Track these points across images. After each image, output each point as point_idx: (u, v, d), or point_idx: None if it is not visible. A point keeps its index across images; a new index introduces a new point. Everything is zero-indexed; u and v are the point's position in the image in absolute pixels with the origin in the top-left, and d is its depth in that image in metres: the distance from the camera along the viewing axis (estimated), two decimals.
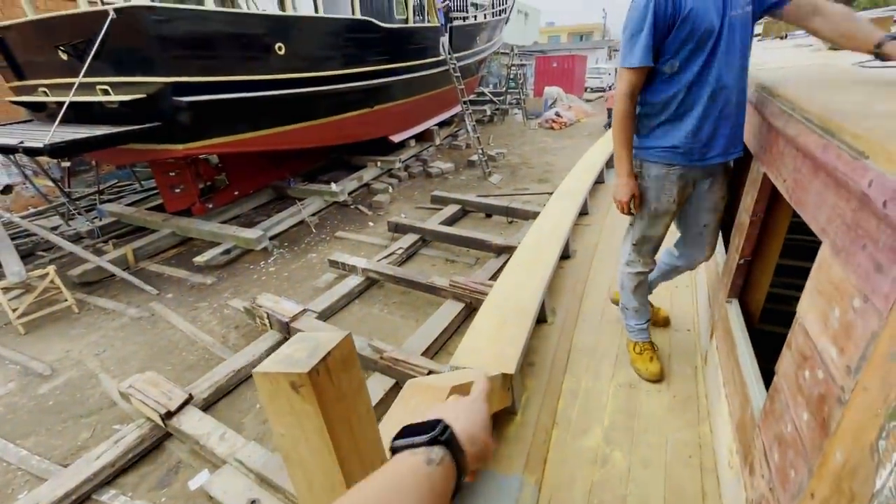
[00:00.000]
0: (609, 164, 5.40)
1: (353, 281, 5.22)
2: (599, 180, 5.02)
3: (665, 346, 2.41)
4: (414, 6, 9.09)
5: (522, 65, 17.82)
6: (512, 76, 16.36)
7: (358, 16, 7.37)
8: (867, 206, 0.60)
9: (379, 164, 9.54)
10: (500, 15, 15.03)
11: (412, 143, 10.73)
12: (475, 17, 13.33)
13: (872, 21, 1.94)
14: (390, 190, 8.93)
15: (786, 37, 3.14)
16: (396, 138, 9.63)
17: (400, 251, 6.07)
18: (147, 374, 3.43)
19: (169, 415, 3.10)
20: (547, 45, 31.68)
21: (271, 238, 6.66)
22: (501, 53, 18.85)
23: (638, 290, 2.18)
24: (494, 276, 5.29)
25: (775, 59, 1.88)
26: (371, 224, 7.55)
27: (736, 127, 1.52)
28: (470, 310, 4.54)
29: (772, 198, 1.23)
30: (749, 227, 1.13)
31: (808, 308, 0.79)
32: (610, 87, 23.01)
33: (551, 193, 8.58)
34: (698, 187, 1.74)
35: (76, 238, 6.78)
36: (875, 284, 0.58)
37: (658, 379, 2.16)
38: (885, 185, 0.54)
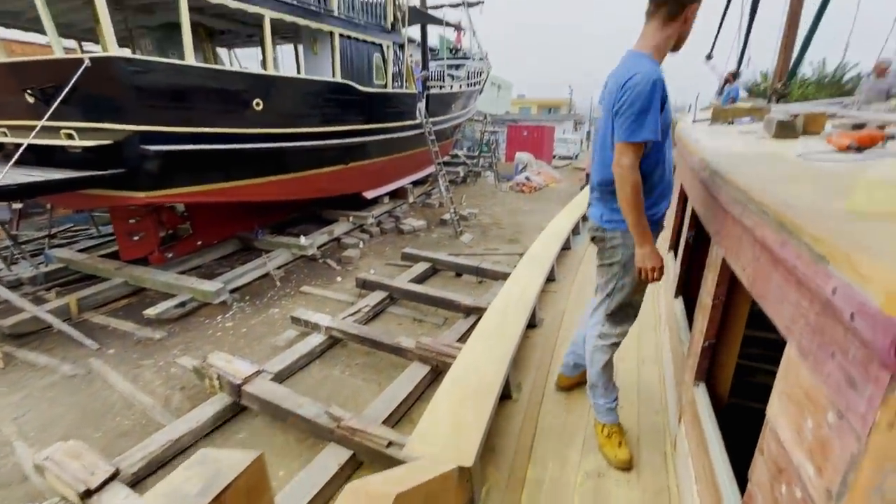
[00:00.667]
0: (575, 230, 5.51)
1: (315, 339, 4.99)
2: (566, 246, 5.11)
3: (633, 427, 2.32)
4: (393, 73, 9.57)
5: (495, 131, 18.81)
6: (485, 141, 17.17)
7: (338, 79, 7.67)
8: (833, 313, 0.59)
9: (351, 218, 9.54)
10: (474, 86, 16.05)
11: (386, 199, 10.86)
12: (451, 86, 14.16)
13: (806, 116, 2.13)
14: (361, 245, 8.87)
15: (732, 122, 3.41)
16: (370, 194, 9.73)
17: (367, 308, 5.90)
18: (70, 444, 3.04)
19: (88, 493, 2.72)
20: (518, 115, 33.76)
21: (232, 291, 6.38)
22: (476, 120, 19.92)
23: (608, 365, 2.14)
24: (463, 338, 5.17)
25: (726, 143, 2.00)
26: (339, 279, 7.39)
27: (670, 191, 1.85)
28: (436, 373, 4.37)
29: (732, 280, 1.23)
30: (712, 310, 1.12)
31: (779, 413, 0.76)
32: (576, 157, 24.45)
33: (521, 254, 8.78)
34: None
35: (16, 284, 6.30)
36: (850, 401, 0.55)
37: (628, 467, 2.05)
38: (853, 297, 0.52)
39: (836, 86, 16.97)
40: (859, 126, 1.76)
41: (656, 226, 1.83)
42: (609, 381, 2.17)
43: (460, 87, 14.47)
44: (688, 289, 1.90)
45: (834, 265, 0.57)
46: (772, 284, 0.75)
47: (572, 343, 2.52)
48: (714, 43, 9.69)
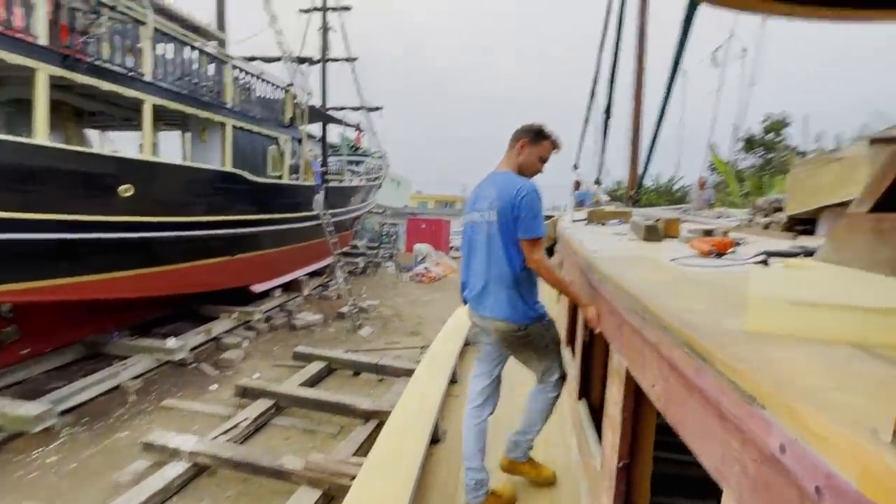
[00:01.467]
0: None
1: (172, 470, 4.02)
2: (468, 342, 4.95)
3: None
4: (291, 166, 9.51)
5: (395, 223, 19.31)
6: (385, 233, 17.43)
7: (228, 168, 7.33)
8: (785, 474, 0.50)
9: (235, 314, 8.56)
10: (374, 181, 16.66)
11: (278, 293, 10.08)
12: (350, 180, 14.50)
13: (666, 222, 2.41)
14: (245, 345, 7.89)
15: (605, 224, 3.79)
16: (259, 288, 8.96)
17: (246, 422, 5.04)
18: None
19: None
20: (417, 209, 35.49)
21: (64, 412, 5.04)
22: (376, 213, 20.36)
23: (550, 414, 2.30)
24: (362, 449, 4.59)
25: (605, 245, 2.13)
26: (214, 387, 6.34)
27: None
28: (328, 499, 3.72)
29: (638, 391, 1.16)
30: (622, 425, 1.03)
31: None
32: None
33: (423, 347, 8.54)
34: None
35: None
36: None
37: (553, 480, 2.28)
38: (813, 465, 0.43)
39: (668, 193, 20.85)
40: (709, 232, 2.03)
41: (545, 317, 2.07)
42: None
43: (360, 181, 14.88)
44: (588, 391, 1.91)
45: (771, 412, 0.50)
46: (690, 413, 0.69)
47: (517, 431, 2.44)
48: (578, 155, 11.79)
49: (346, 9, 14.80)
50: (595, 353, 2.06)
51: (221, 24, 9.28)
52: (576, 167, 11.13)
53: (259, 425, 5.24)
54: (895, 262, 0.97)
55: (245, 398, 5.70)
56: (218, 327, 7.98)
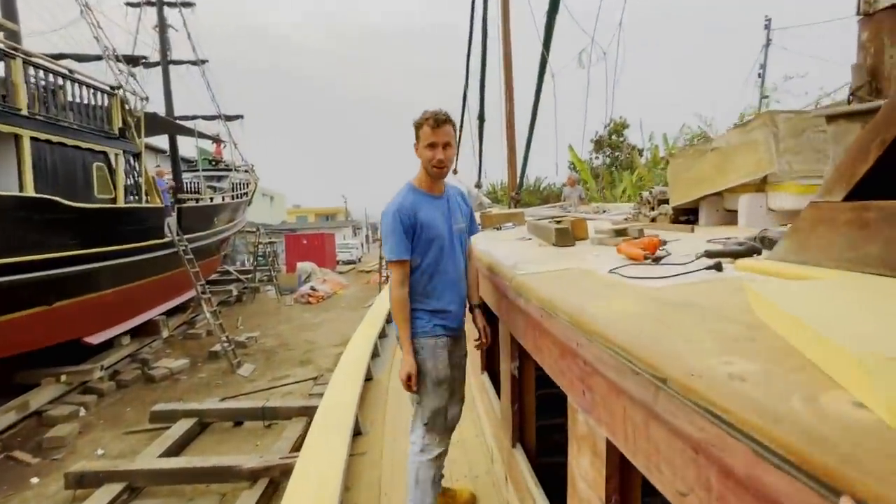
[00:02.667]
0: (375, 353, 4.78)
1: None
2: (368, 377, 4.21)
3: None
4: (127, 186, 7.84)
5: (272, 242, 17.63)
6: (260, 254, 15.78)
7: (30, 193, 5.68)
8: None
9: (63, 377, 6.74)
10: (241, 197, 14.93)
11: (125, 340, 8.27)
12: (212, 199, 12.74)
13: (573, 223, 2.25)
14: (82, 414, 6.24)
15: (500, 228, 3.62)
16: (95, 339, 7.20)
17: None
18: None
19: None
20: (296, 224, 33.15)
21: None
22: (248, 231, 18.37)
23: (436, 481, 2.04)
24: None
25: (514, 252, 1.88)
26: (35, 481, 4.82)
27: (462, 304, 2.11)
28: None
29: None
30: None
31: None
32: (359, 260, 25.06)
33: (316, 378, 7.68)
34: (453, 352, 2.06)
35: None
36: None
37: None
38: None
39: (537, 193, 22.59)
40: (620, 232, 1.90)
41: (444, 319, 2.00)
42: (434, 500, 2.03)
43: (223, 199, 13.17)
44: (522, 434, 1.70)
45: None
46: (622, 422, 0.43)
47: None
48: (456, 160, 12.16)
49: (188, 4, 13.02)
50: (524, 386, 1.78)
51: (10, 13, 7.29)
52: (455, 171, 11.32)
53: None
54: (888, 258, 0.80)
55: (83, 488, 4.39)
56: (38, 399, 6.19)
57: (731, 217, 2.44)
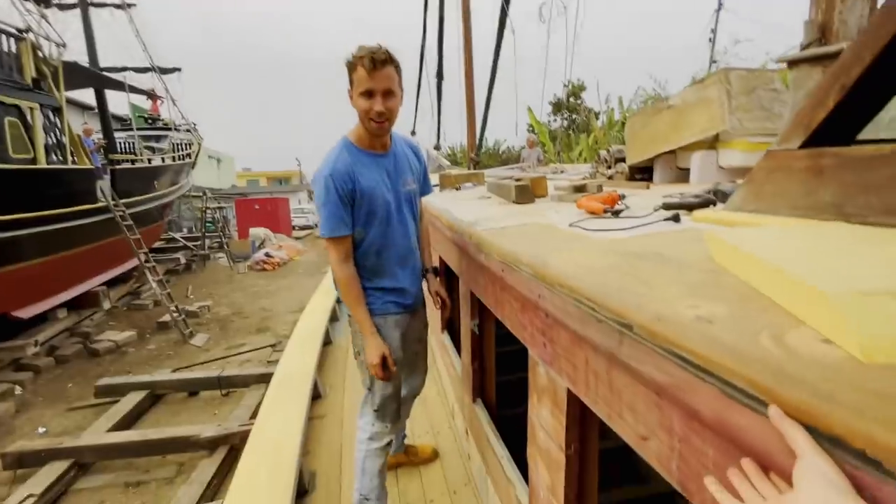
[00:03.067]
0: (333, 317, 4.70)
1: None
2: (327, 341, 4.13)
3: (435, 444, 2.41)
4: (48, 145, 7.04)
5: (221, 207, 16.70)
6: (209, 219, 14.95)
7: None
8: None
9: None
10: (184, 159, 13.91)
11: (61, 313, 7.71)
12: (150, 160, 11.77)
13: (533, 181, 2.23)
14: (18, 392, 5.84)
15: (459, 188, 3.56)
16: (25, 313, 6.65)
17: (30, 502, 3.67)
18: None
19: None
20: (247, 189, 31.50)
21: None
22: (193, 196, 17.28)
23: (383, 469, 1.93)
24: (211, 490, 3.73)
25: (476, 211, 1.84)
26: None
27: (417, 275, 1.87)
28: None
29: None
30: (567, 465, 0.76)
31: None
32: (316, 225, 24.38)
33: (274, 346, 7.53)
34: (407, 327, 1.88)
35: None
36: None
37: None
38: None
39: (497, 155, 22.56)
40: (580, 188, 1.89)
41: (399, 296, 1.79)
42: (383, 488, 1.93)
43: (162, 160, 12.21)
44: (483, 390, 1.76)
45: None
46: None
47: None
48: (415, 121, 11.91)
49: None
50: (484, 342, 1.79)
51: None
52: (413, 133, 11.06)
53: (53, 499, 3.88)
54: (843, 204, 0.82)
55: (24, 467, 4.16)
56: None
57: (684, 175, 2.50)
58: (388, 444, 1.91)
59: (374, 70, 1.48)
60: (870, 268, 0.48)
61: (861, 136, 0.93)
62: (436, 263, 2.17)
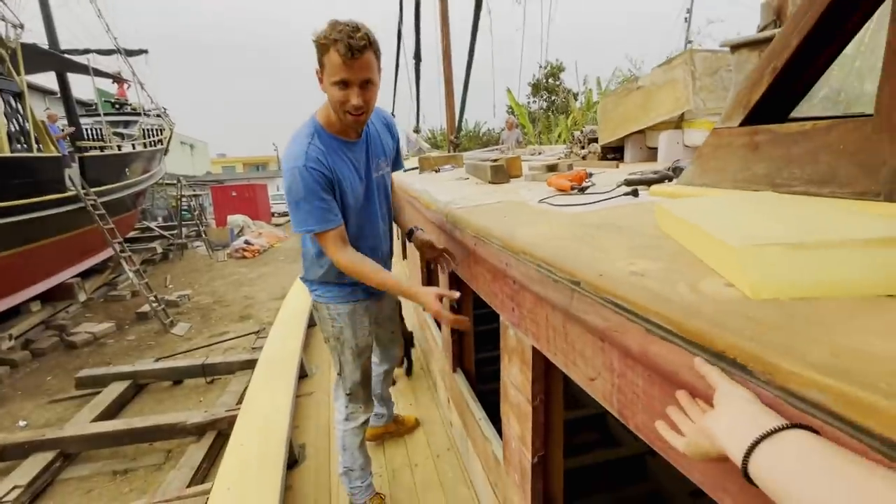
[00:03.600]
0: None
1: None
2: (312, 323, 4.22)
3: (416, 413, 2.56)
4: (11, 133, 6.76)
5: (196, 195, 16.31)
6: (184, 207, 14.61)
7: None
8: None
9: None
10: (155, 145, 13.49)
11: (35, 306, 7.53)
12: (119, 146, 11.39)
13: (507, 161, 2.29)
14: None
15: (438, 171, 3.61)
16: None
17: (16, 493, 3.67)
18: None
19: None
20: (223, 175, 30.72)
21: None
22: (167, 184, 16.82)
23: (363, 444, 2.02)
24: (200, 475, 3.79)
25: (452, 192, 1.90)
26: None
27: (387, 259, 1.81)
28: None
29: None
30: (533, 415, 0.86)
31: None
32: None
33: (258, 332, 7.52)
34: (378, 311, 1.93)
35: None
36: None
37: None
38: None
39: (477, 137, 22.50)
40: (552, 167, 1.97)
41: (364, 293, 1.76)
42: (366, 458, 2.05)
43: (133, 147, 11.83)
44: (462, 360, 1.85)
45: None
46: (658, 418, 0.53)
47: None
48: (393, 104, 11.84)
49: None
50: (463, 314, 1.88)
51: None
52: (392, 115, 10.95)
53: (40, 489, 3.89)
54: (773, 176, 0.91)
55: (7, 460, 4.14)
56: None
57: (652, 154, 2.60)
58: (365, 421, 1.96)
59: (352, 59, 1.27)
60: (773, 226, 0.57)
61: (795, 114, 1.02)
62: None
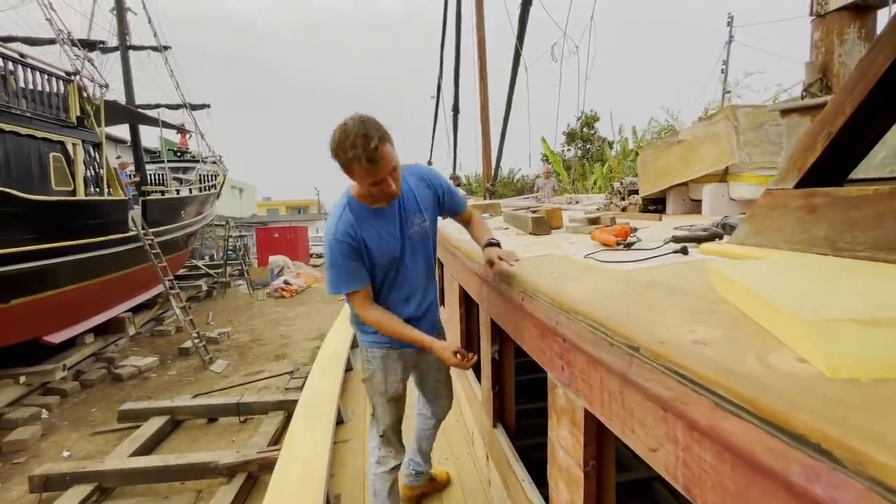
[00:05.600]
0: (355, 343, 4.75)
1: None
2: (348, 367, 4.21)
3: (453, 469, 2.48)
4: (87, 178, 7.47)
5: (242, 236, 17.18)
6: (230, 247, 15.38)
7: None
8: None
9: (23, 378, 6.46)
10: (209, 190, 14.48)
11: (89, 339, 7.96)
12: (178, 191, 12.30)
13: (548, 212, 2.32)
14: (44, 416, 6.00)
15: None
16: (56, 338, 6.91)
17: None
18: None
19: None
20: (267, 217, 32.37)
21: None
22: (217, 225, 17.84)
23: (393, 491, 1.99)
24: None
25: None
26: None
27: (434, 312, 1.85)
28: None
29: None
30: (586, 482, 0.81)
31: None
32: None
33: (292, 373, 7.59)
34: (420, 360, 1.91)
35: None
36: None
37: None
38: None
39: (512, 184, 22.86)
40: (594, 220, 1.98)
41: (398, 343, 1.76)
42: None
43: (189, 191, 12.74)
44: (503, 414, 1.89)
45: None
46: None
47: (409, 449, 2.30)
48: (431, 151, 12.40)
49: None
50: (504, 368, 1.85)
51: None
52: (430, 163, 11.43)
53: None
54: (834, 240, 0.89)
55: (48, 492, 4.25)
56: None
57: (695, 206, 2.57)
58: (395, 467, 1.97)
59: (374, 164, 1.39)
60: (844, 297, 0.56)
61: (854, 175, 1.01)
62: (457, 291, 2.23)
